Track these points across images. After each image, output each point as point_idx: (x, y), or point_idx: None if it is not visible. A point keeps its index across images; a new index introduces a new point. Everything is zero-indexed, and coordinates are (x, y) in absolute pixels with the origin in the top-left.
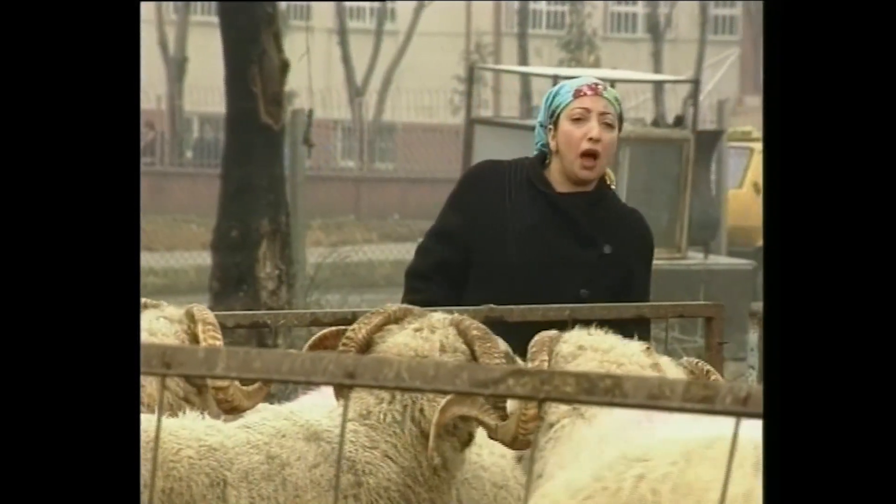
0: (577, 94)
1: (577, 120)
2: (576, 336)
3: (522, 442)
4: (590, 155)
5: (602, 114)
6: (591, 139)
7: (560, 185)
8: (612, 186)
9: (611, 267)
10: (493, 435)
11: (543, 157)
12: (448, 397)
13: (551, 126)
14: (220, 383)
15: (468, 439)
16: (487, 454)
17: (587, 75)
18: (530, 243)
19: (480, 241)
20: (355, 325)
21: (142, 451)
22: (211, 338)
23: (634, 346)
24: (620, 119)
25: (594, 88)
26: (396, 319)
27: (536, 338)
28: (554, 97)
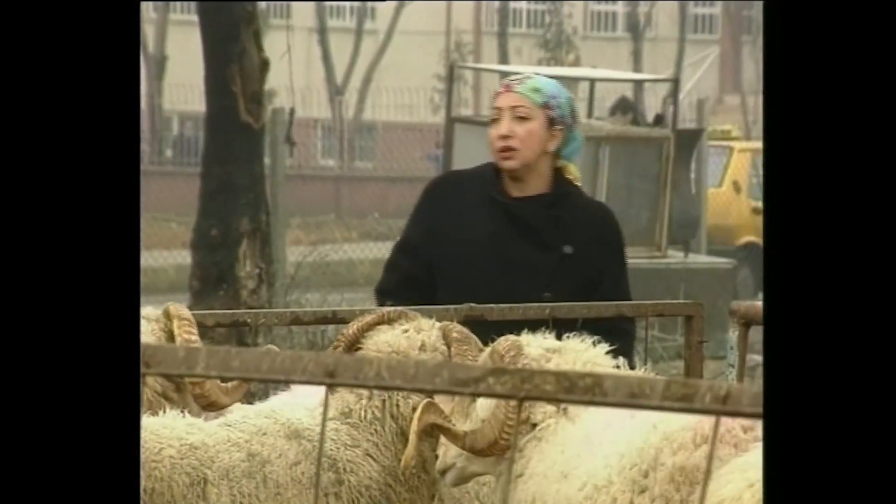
0: (494, 96)
1: (494, 121)
2: (537, 341)
3: (501, 447)
4: (505, 150)
5: (513, 108)
6: (501, 136)
7: (516, 190)
8: (578, 184)
9: (574, 268)
10: (458, 443)
11: None
12: (423, 403)
13: None
14: (197, 379)
15: None
16: None
17: (527, 73)
18: (489, 253)
19: (443, 254)
20: (350, 323)
21: None
22: (186, 332)
23: (595, 351)
24: (552, 109)
25: (507, 86)
26: (390, 320)
27: (507, 343)
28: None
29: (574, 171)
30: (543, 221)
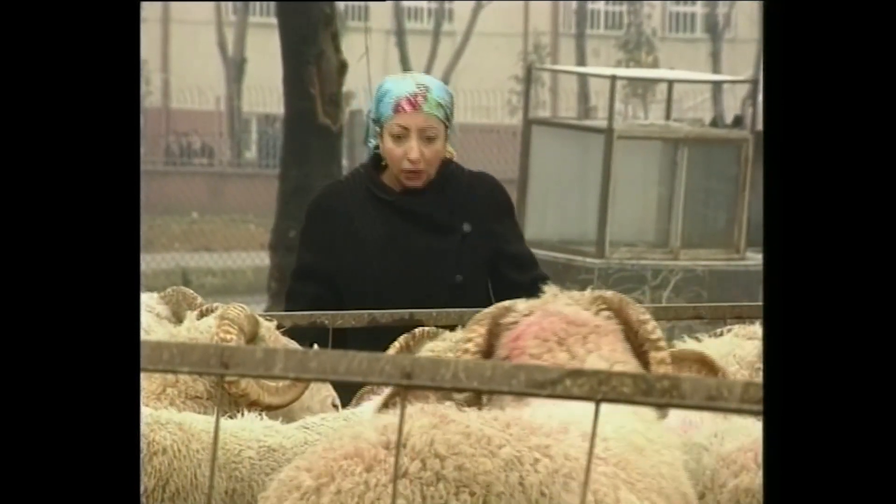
0: (396, 108)
1: (397, 137)
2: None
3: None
4: (412, 172)
5: (422, 129)
6: (410, 160)
7: (399, 185)
8: (452, 158)
9: (477, 243)
10: None
11: (379, 160)
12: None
13: (378, 130)
14: (231, 377)
15: None
16: None
17: (410, 78)
18: (388, 253)
19: (341, 268)
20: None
21: (203, 452)
22: (224, 332)
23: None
24: (449, 118)
25: (413, 102)
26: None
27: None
28: (378, 103)
29: (450, 149)
30: (434, 207)
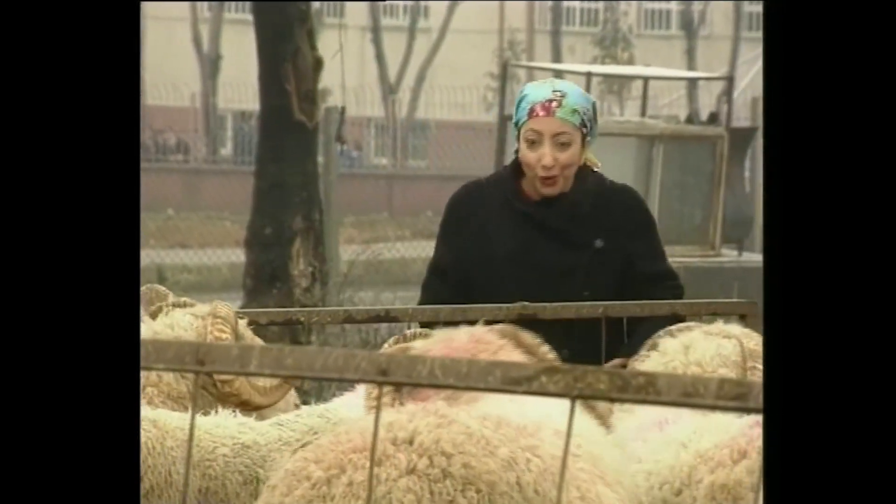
0: (531, 113)
1: (532, 142)
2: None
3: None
4: (547, 178)
5: (556, 135)
6: (544, 166)
7: (535, 192)
8: (597, 169)
9: (607, 259)
10: None
11: (519, 165)
12: None
13: (517, 135)
14: (225, 377)
15: None
16: None
17: (549, 84)
18: (519, 263)
19: (473, 272)
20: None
21: (177, 449)
22: (218, 331)
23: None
24: (586, 125)
25: (547, 108)
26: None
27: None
28: (517, 108)
29: (593, 159)
30: (568, 221)
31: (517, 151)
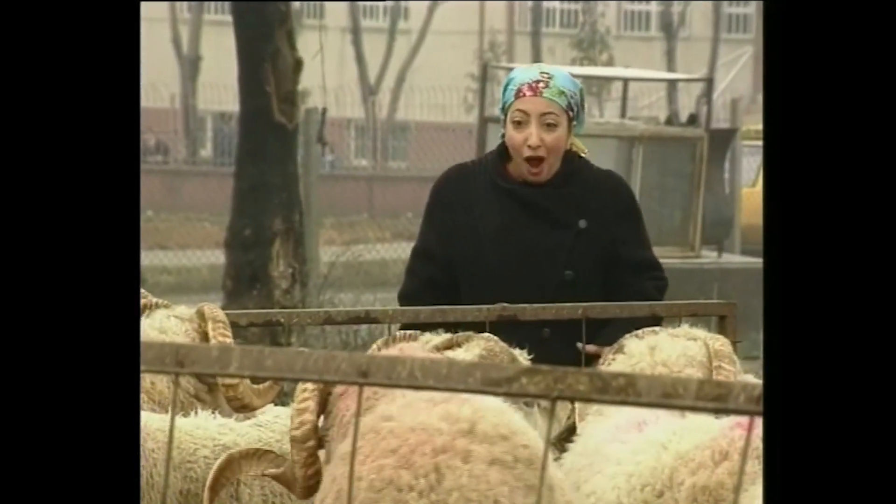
0: (518, 94)
1: (518, 123)
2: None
3: (309, 489)
4: (533, 159)
5: (542, 115)
6: (530, 146)
7: (522, 176)
8: (584, 155)
9: (591, 241)
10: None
11: (505, 149)
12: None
13: (503, 118)
14: (230, 381)
15: None
16: None
17: (536, 67)
18: (503, 242)
19: (458, 252)
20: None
21: (158, 451)
22: (221, 335)
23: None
24: (573, 108)
25: (534, 88)
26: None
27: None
28: (504, 91)
29: (580, 145)
30: (553, 201)
31: (503, 136)
